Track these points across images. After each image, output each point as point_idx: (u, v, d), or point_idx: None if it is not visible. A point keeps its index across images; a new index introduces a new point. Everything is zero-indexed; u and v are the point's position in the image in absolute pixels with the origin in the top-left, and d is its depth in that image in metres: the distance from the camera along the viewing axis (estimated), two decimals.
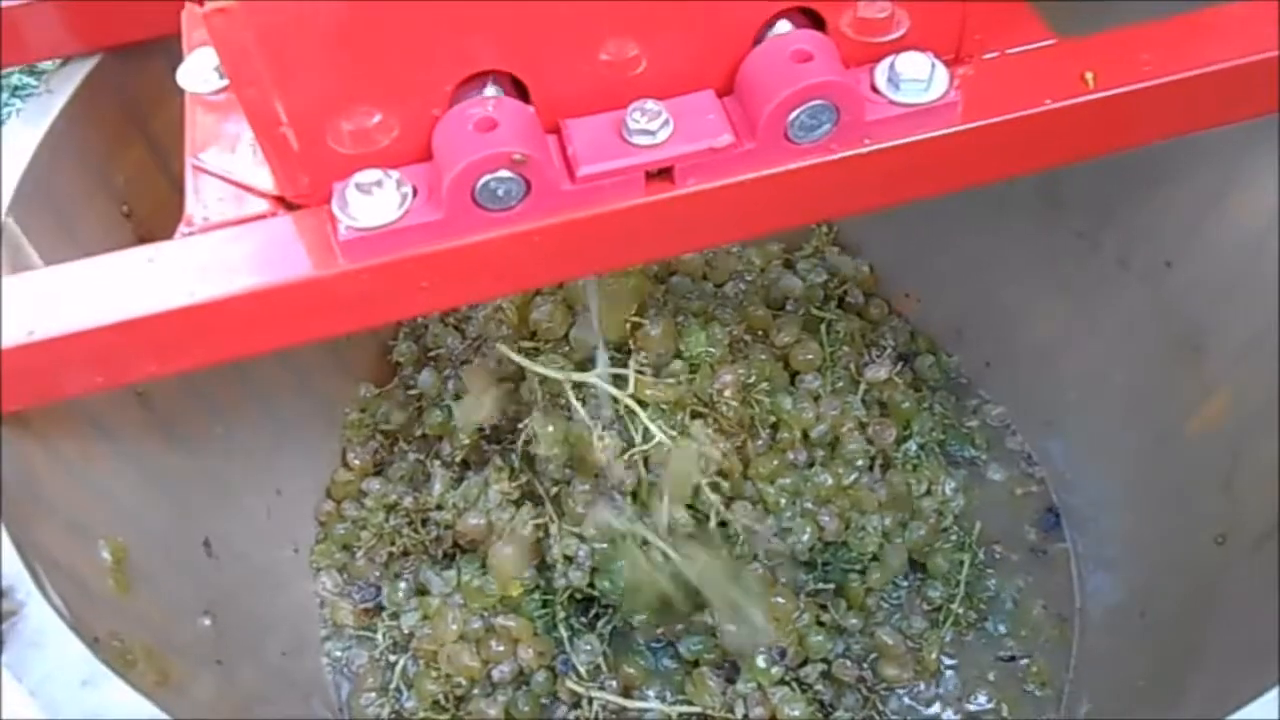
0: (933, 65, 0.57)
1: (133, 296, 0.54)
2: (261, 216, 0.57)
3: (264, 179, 0.58)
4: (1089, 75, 0.59)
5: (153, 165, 0.80)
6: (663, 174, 0.56)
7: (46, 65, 1.36)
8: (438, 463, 0.99)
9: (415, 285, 0.56)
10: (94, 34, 0.74)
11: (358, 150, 0.55)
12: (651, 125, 0.55)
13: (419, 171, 0.55)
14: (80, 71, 0.74)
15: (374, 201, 0.54)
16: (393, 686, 0.92)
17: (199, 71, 0.62)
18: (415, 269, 0.55)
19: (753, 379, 0.92)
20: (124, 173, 0.78)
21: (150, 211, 0.80)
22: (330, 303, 0.56)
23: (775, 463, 0.91)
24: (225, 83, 0.61)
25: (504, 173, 0.53)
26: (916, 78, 0.57)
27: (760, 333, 1.00)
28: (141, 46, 0.77)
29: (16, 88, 1.47)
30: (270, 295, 0.55)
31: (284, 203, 0.57)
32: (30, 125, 0.72)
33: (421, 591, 0.95)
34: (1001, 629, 0.94)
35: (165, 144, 0.81)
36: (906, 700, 0.91)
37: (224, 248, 0.56)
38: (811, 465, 0.93)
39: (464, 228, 0.55)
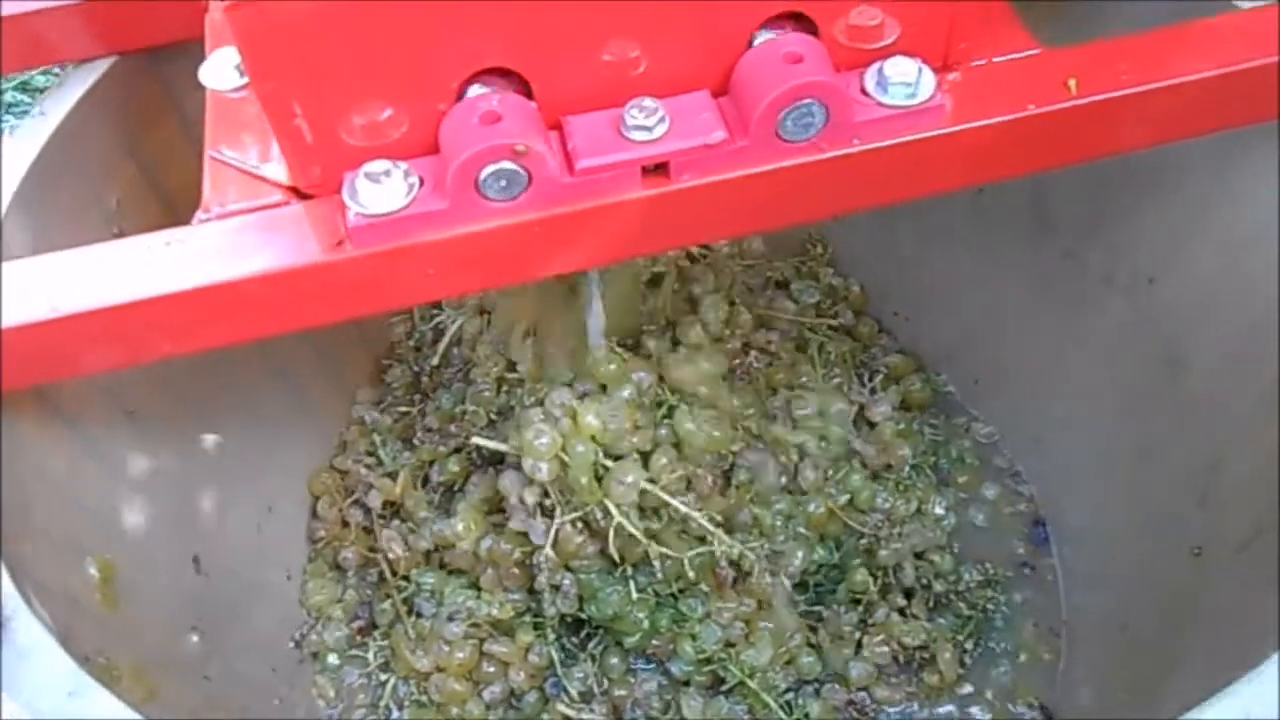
0: (920, 70, 0.59)
1: (151, 277, 0.57)
2: (275, 205, 0.59)
3: (278, 170, 0.60)
4: (1072, 82, 0.61)
5: (145, 187, 0.82)
6: (659, 169, 0.58)
7: (41, 82, 1.39)
8: (423, 492, 0.99)
9: (421, 271, 0.58)
10: (115, 37, 0.76)
11: (368, 142, 0.57)
12: (648, 122, 0.57)
13: (426, 163, 0.58)
14: (74, 93, 0.76)
15: (382, 190, 0.56)
16: (383, 704, 0.93)
17: (220, 69, 0.65)
18: (421, 256, 0.57)
19: (745, 407, 0.93)
20: (117, 194, 0.79)
21: (142, 233, 0.80)
22: (339, 287, 0.58)
23: (764, 487, 0.92)
24: (244, 80, 0.64)
25: (506, 164, 0.55)
26: (904, 81, 0.59)
27: (753, 355, 1.01)
28: (135, 66, 0.79)
29: (11, 105, 1.49)
30: (282, 279, 0.57)
31: (297, 192, 0.60)
32: (23, 147, 0.73)
33: (412, 611, 0.96)
34: (993, 647, 0.95)
35: (158, 165, 0.82)
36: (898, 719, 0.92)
37: (239, 233, 0.58)
38: (805, 493, 0.94)
39: (467, 216, 0.57)
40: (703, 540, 0.85)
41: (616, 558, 0.85)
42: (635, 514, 0.83)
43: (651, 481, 0.82)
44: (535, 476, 0.81)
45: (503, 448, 0.87)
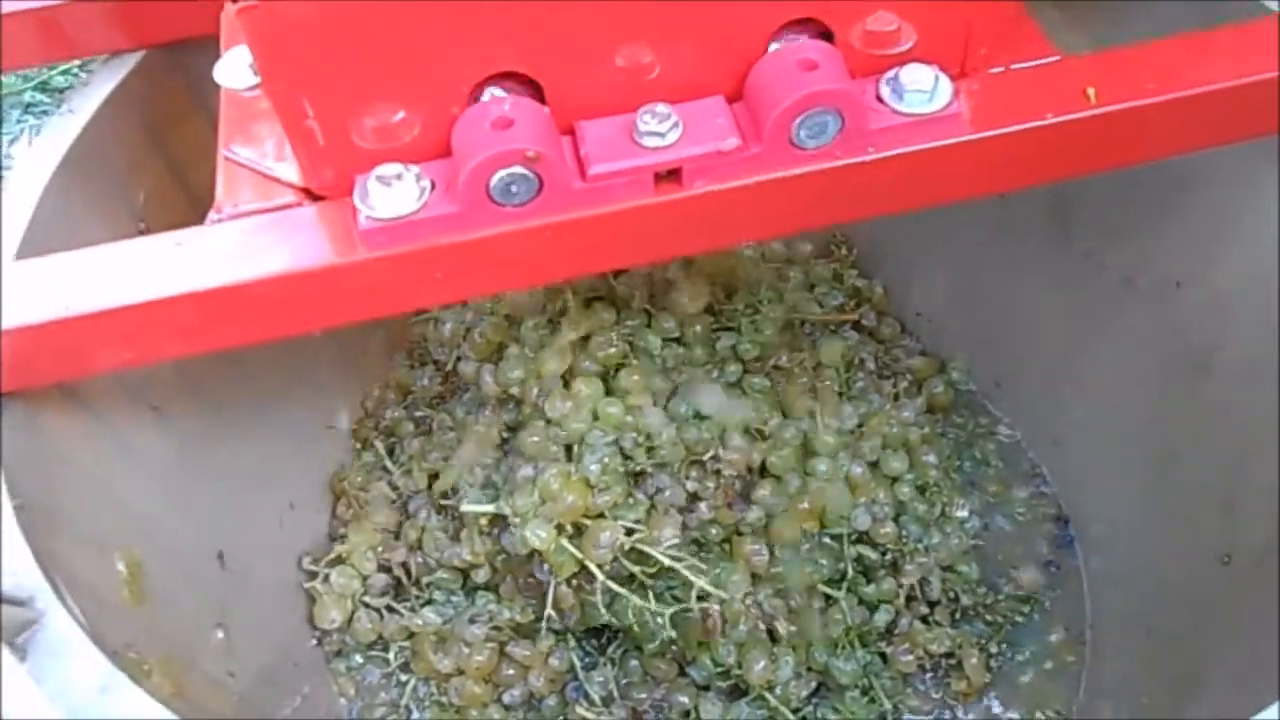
0: (936, 77, 0.59)
1: (162, 278, 0.57)
2: (287, 206, 0.60)
3: (290, 171, 0.60)
4: (1091, 91, 0.60)
5: (172, 183, 0.82)
6: (671, 175, 0.58)
7: (60, 82, 1.40)
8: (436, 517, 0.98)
9: (431, 275, 0.58)
10: (136, 31, 0.76)
11: (380, 145, 0.57)
12: (661, 128, 0.57)
13: (438, 167, 0.58)
14: (102, 90, 0.76)
15: (394, 193, 0.56)
16: (403, 704, 0.93)
17: (235, 68, 0.65)
18: (431, 260, 0.57)
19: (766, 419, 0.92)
20: (143, 190, 0.79)
21: (168, 229, 0.80)
22: (350, 290, 0.58)
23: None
24: (258, 79, 0.64)
25: (518, 169, 0.55)
26: (920, 88, 0.58)
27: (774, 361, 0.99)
28: (163, 62, 0.79)
29: (29, 105, 1.49)
30: (292, 281, 0.57)
31: (309, 194, 0.60)
32: (51, 143, 0.73)
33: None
34: (1018, 656, 0.95)
35: (185, 161, 0.82)
36: None
37: (250, 235, 0.59)
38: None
39: (479, 221, 0.57)
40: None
41: (604, 613, 0.86)
42: (626, 561, 0.83)
43: (630, 532, 0.82)
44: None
45: (488, 509, 0.88)
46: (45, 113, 0.75)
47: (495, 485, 0.90)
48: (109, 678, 0.54)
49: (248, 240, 0.58)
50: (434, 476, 0.98)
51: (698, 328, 0.93)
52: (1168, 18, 0.65)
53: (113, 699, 0.53)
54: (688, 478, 0.87)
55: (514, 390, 0.91)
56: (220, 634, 0.79)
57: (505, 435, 0.95)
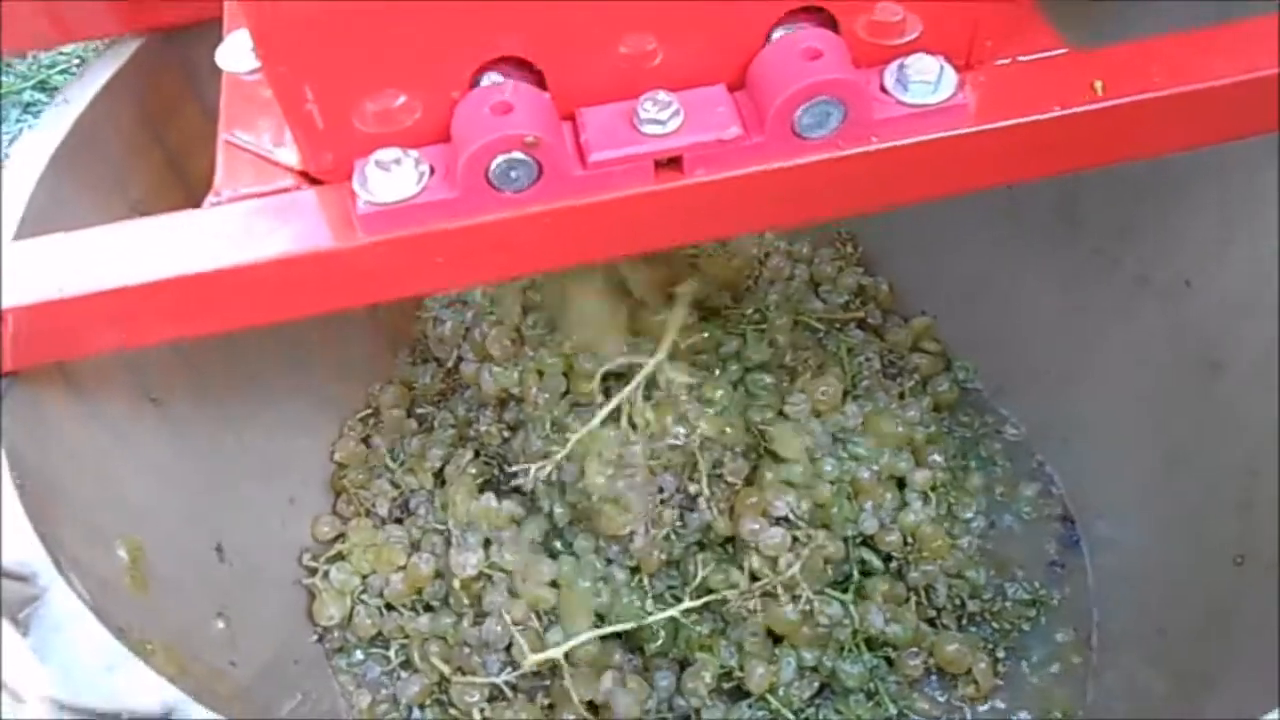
0: (941, 67, 0.58)
1: (159, 260, 0.57)
2: (286, 190, 0.59)
3: (290, 155, 0.60)
4: (1098, 84, 0.60)
5: (169, 174, 0.82)
6: (672, 163, 0.57)
7: (59, 81, 1.40)
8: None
9: (430, 261, 0.58)
10: (134, 15, 0.76)
11: (380, 130, 0.57)
12: (662, 115, 0.56)
13: (437, 152, 0.57)
14: (97, 80, 0.76)
15: (393, 178, 0.56)
16: (404, 703, 0.92)
17: (236, 52, 0.64)
18: (430, 245, 0.57)
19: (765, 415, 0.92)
20: (140, 182, 0.79)
21: None
22: (348, 274, 0.58)
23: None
24: (260, 64, 0.64)
25: (517, 155, 0.55)
26: (925, 79, 0.58)
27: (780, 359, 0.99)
28: (159, 52, 0.79)
29: (28, 104, 1.50)
30: (291, 264, 0.57)
31: (308, 178, 0.60)
32: (46, 135, 0.73)
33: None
34: (1023, 663, 0.94)
35: (181, 151, 0.82)
36: None
37: (249, 218, 0.58)
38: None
39: (477, 207, 0.56)
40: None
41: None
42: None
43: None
44: None
45: (472, 571, 0.90)
46: (47, 108, 0.75)
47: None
48: (114, 655, 0.54)
49: (246, 223, 0.58)
50: (436, 475, 0.98)
51: (704, 334, 0.93)
52: (1174, 19, 0.64)
53: (119, 676, 0.53)
54: (691, 479, 0.87)
55: (514, 390, 0.90)
56: (221, 624, 0.79)
57: (506, 435, 0.95)
